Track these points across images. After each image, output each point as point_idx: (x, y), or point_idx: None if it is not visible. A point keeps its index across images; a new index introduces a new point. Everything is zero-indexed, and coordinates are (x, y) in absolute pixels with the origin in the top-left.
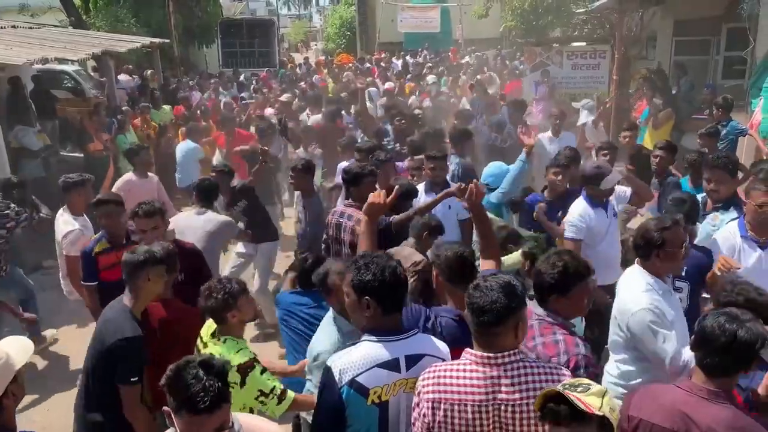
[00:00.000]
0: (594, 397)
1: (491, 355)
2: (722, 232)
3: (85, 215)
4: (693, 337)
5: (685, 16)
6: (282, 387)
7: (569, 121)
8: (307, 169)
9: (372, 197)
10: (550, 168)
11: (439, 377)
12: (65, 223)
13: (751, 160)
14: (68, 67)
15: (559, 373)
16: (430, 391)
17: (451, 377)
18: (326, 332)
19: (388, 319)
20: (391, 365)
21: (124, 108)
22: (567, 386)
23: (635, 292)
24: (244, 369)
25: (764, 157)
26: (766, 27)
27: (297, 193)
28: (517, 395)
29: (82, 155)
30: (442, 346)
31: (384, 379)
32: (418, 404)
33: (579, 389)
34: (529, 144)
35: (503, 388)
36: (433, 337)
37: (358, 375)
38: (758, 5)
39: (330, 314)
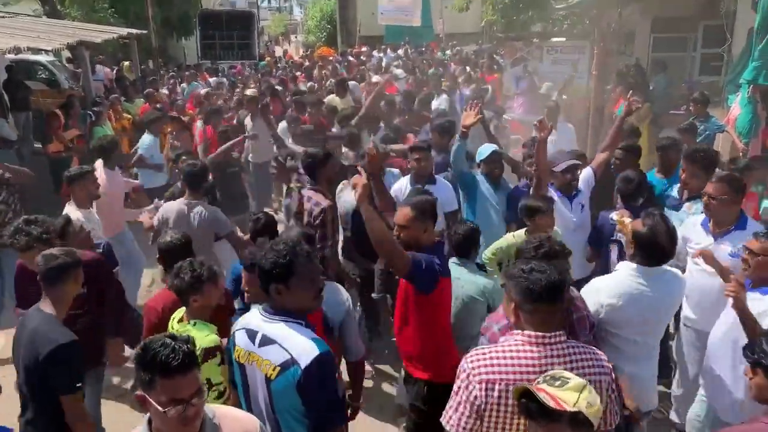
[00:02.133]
0: (570, 392)
1: (545, 334)
2: (688, 222)
3: (91, 208)
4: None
5: (663, 13)
6: (226, 386)
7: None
8: (290, 166)
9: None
10: (526, 160)
11: (491, 358)
12: (70, 213)
13: (727, 156)
14: (42, 58)
15: (595, 353)
16: (483, 372)
17: (504, 358)
18: None
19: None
20: (251, 335)
21: (98, 98)
22: (546, 379)
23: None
24: (207, 354)
25: (740, 153)
26: (743, 24)
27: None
28: (567, 373)
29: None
30: (303, 348)
31: (243, 343)
32: (466, 387)
33: (557, 383)
34: (464, 125)
35: (557, 366)
36: (304, 337)
37: (236, 330)
38: (735, 2)
39: None
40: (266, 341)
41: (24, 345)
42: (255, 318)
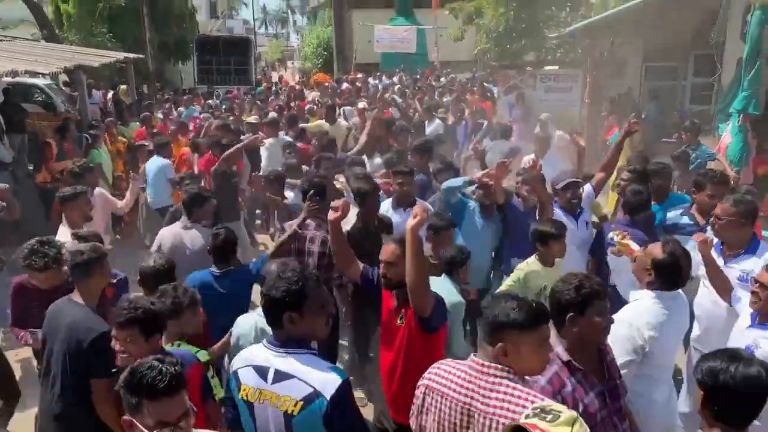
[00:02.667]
0: (562, 427)
1: (483, 362)
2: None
3: (85, 228)
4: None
5: (654, 42)
6: (221, 396)
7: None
8: (278, 179)
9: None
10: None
11: (439, 368)
12: (62, 235)
13: None
14: (39, 81)
15: (522, 399)
16: (427, 378)
17: (447, 371)
18: (246, 318)
19: (275, 331)
20: (261, 371)
21: (94, 122)
22: (536, 411)
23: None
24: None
25: (730, 181)
26: (732, 54)
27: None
28: (490, 409)
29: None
30: (325, 378)
31: (252, 381)
32: (418, 387)
33: (548, 417)
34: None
35: (480, 398)
36: (324, 366)
37: (239, 368)
38: (724, 33)
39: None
40: (282, 377)
41: (62, 338)
42: (261, 353)
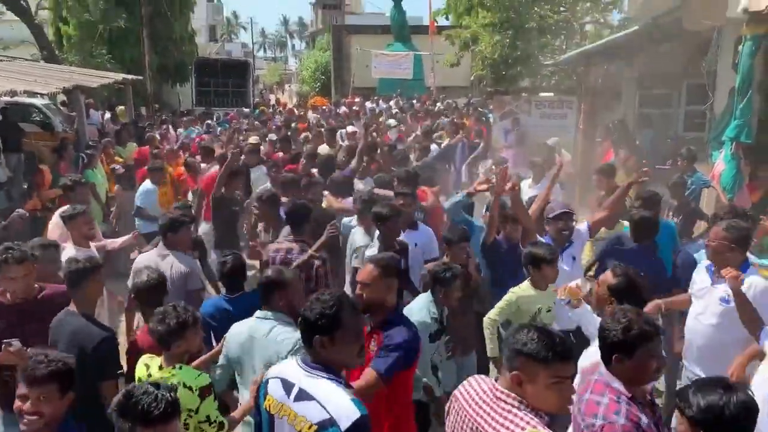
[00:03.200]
0: None
1: (499, 388)
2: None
3: (92, 246)
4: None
5: (648, 71)
6: (222, 418)
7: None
8: (272, 200)
9: None
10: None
11: (470, 381)
12: (67, 254)
13: (711, 210)
14: (37, 101)
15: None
16: (459, 387)
17: (473, 386)
18: (240, 325)
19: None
20: (287, 386)
21: (91, 142)
22: None
23: None
24: (203, 392)
25: (723, 208)
26: (724, 84)
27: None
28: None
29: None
30: (343, 408)
31: (277, 393)
32: (453, 393)
33: None
34: (477, 188)
35: (490, 421)
36: (345, 397)
37: (270, 377)
38: (716, 63)
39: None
40: (303, 396)
41: (65, 348)
42: (293, 369)
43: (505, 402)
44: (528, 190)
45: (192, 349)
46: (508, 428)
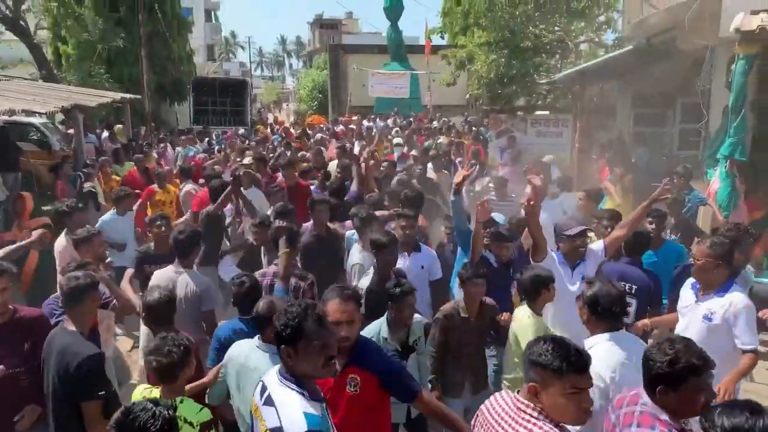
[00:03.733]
0: None
1: (520, 399)
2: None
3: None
4: None
5: (642, 89)
6: None
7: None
8: (267, 224)
9: None
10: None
11: (497, 396)
12: None
13: (708, 229)
14: (35, 120)
15: None
16: (487, 401)
17: (501, 400)
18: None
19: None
20: (263, 390)
21: (89, 161)
22: None
23: None
24: (203, 428)
25: (720, 226)
26: (718, 102)
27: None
28: None
29: (44, 207)
30: (294, 420)
31: (257, 396)
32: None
33: None
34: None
35: (510, 428)
36: (299, 409)
37: (261, 379)
38: (710, 82)
39: None
40: (269, 402)
41: (53, 364)
42: (272, 376)
43: (525, 412)
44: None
45: (190, 373)
46: None
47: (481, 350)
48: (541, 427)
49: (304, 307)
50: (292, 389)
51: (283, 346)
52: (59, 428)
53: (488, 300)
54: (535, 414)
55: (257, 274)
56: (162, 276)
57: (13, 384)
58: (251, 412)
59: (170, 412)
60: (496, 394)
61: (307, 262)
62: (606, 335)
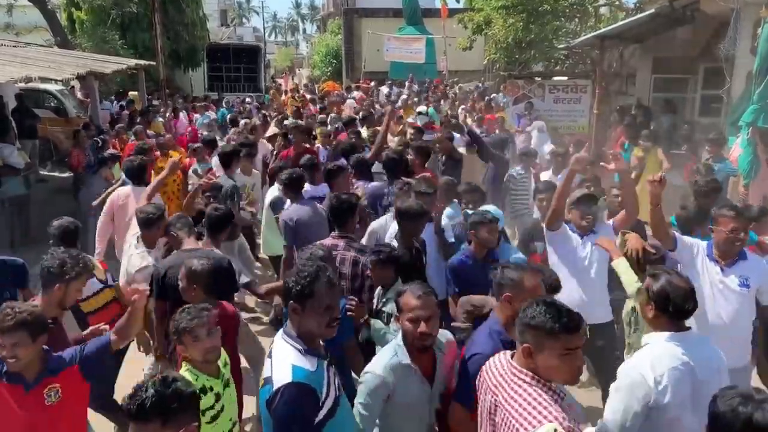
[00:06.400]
0: None
1: (512, 361)
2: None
3: (158, 249)
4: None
5: (663, 54)
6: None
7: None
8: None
9: None
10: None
11: (494, 358)
12: (141, 257)
13: (736, 199)
14: (51, 87)
15: (540, 419)
16: (488, 362)
17: (495, 361)
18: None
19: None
20: (270, 345)
21: (104, 128)
22: None
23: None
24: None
25: (740, 197)
26: (742, 67)
27: None
28: (507, 406)
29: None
30: (281, 371)
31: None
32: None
33: None
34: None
35: (504, 393)
36: (289, 362)
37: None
38: (734, 46)
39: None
40: (269, 354)
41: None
42: (279, 333)
43: (518, 377)
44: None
45: (191, 356)
46: (518, 402)
47: None
48: (530, 394)
49: (317, 268)
50: (290, 344)
51: (291, 302)
52: None
53: None
54: (528, 379)
55: (315, 245)
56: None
57: None
58: None
59: (160, 397)
60: (496, 355)
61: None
62: (666, 335)
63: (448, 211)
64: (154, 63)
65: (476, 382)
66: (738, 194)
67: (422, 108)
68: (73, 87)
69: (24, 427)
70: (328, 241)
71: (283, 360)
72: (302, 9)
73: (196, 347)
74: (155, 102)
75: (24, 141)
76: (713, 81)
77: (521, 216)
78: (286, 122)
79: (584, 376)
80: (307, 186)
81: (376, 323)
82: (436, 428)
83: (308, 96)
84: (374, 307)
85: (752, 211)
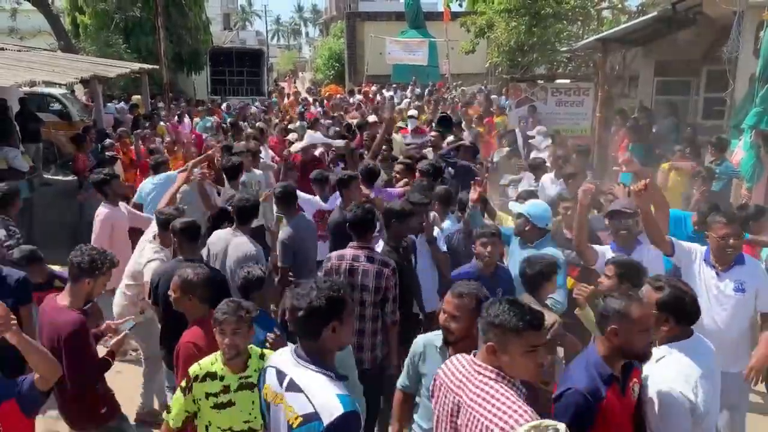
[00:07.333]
0: None
1: (476, 361)
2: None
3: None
4: None
5: (666, 57)
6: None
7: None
8: (286, 195)
9: None
10: (478, 238)
11: (451, 360)
12: (154, 251)
13: (738, 201)
14: (55, 91)
15: (514, 417)
16: (444, 365)
17: (453, 363)
18: None
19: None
20: (280, 376)
21: (108, 131)
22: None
23: None
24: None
25: (742, 199)
26: (745, 70)
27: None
28: (474, 405)
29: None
30: (328, 404)
31: (272, 383)
32: (436, 373)
33: None
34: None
35: (468, 392)
36: (332, 392)
37: (267, 366)
38: (737, 49)
39: None
40: (293, 387)
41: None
42: (286, 359)
43: (482, 374)
44: (551, 185)
45: None
46: (485, 400)
47: None
48: (497, 390)
49: (331, 281)
50: (315, 371)
51: (330, 322)
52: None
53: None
54: (493, 376)
55: (333, 256)
56: (219, 235)
57: None
58: (266, 401)
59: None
60: (453, 357)
61: (337, 242)
62: (680, 344)
63: (446, 223)
64: (158, 67)
65: (432, 386)
66: (741, 197)
67: (413, 111)
68: (73, 91)
69: None
70: (348, 252)
71: (323, 391)
72: (305, 13)
73: (219, 339)
74: (160, 105)
75: (28, 144)
76: (716, 84)
77: None
78: (290, 126)
79: None
80: (319, 201)
81: None
82: None
83: (311, 99)
84: None
85: (749, 210)
